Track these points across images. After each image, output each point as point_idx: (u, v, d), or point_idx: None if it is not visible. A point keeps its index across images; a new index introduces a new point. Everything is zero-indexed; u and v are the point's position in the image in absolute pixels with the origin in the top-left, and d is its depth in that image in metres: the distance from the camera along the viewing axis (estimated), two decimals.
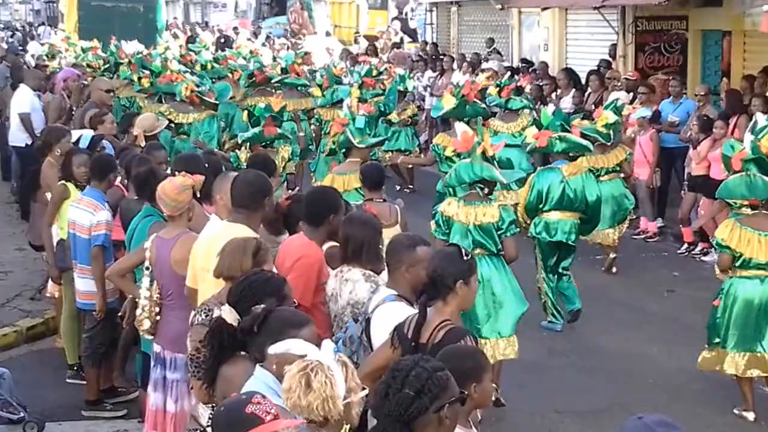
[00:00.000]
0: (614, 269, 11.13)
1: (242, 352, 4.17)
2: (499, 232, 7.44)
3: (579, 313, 9.28)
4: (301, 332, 3.85)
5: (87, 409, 7.59)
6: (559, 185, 8.97)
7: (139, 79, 14.38)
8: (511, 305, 7.55)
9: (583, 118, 11.17)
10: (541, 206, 9.03)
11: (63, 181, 7.98)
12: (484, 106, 11.74)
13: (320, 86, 14.54)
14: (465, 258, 4.50)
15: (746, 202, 7.33)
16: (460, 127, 8.62)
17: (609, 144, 10.83)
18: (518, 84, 13.33)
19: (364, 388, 3.41)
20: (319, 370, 3.30)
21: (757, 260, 7.20)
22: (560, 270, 9.26)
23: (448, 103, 11.28)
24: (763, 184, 7.24)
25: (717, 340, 7.42)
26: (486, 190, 7.62)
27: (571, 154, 9.22)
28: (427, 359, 3.39)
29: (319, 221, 5.60)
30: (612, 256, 11.09)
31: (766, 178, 7.25)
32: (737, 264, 7.27)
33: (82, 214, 7.41)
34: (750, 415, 7.42)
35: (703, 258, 11.76)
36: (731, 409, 7.49)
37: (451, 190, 8.27)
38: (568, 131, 9.44)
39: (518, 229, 7.88)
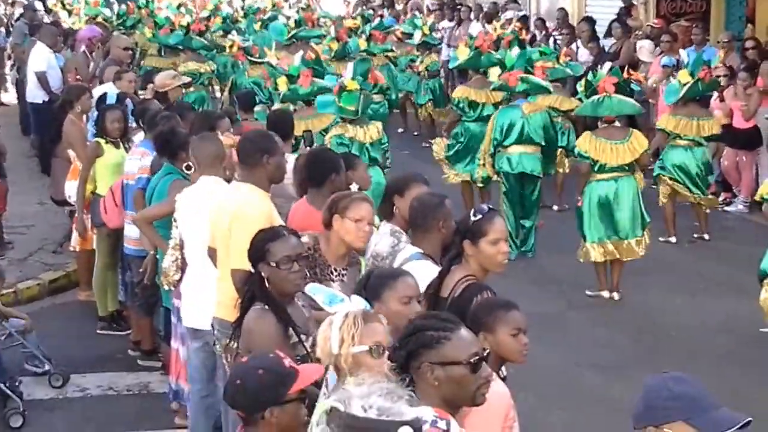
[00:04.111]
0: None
1: (266, 306, 4.32)
2: None
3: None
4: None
5: (142, 358, 7.63)
6: (520, 121, 9.78)
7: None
8: None
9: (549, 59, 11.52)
10: (503, 141, 9.85)
11: (96, 139, 7.96)
12: (498, 56, 11.65)
13: (337, 39, 14.46)
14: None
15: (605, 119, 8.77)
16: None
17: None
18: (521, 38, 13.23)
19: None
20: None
21: (610, 165, 8.60)
22: (522, 223, 10.06)
23: (463, 54, 11.42)
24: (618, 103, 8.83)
25: (582, 234, 8.81)
26: None
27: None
28: (438, 315, 3.40)
29: (321, 182, 5.62)
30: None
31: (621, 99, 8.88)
32: (595, 169, 8.66)
33: (133, 162, 7.36)
34: (605, 293, 8.82)
35: (726, 208, 11.68)
36: (753, 365, 7.48)
37: None
38: (531, 73, 10.24)
39: None
